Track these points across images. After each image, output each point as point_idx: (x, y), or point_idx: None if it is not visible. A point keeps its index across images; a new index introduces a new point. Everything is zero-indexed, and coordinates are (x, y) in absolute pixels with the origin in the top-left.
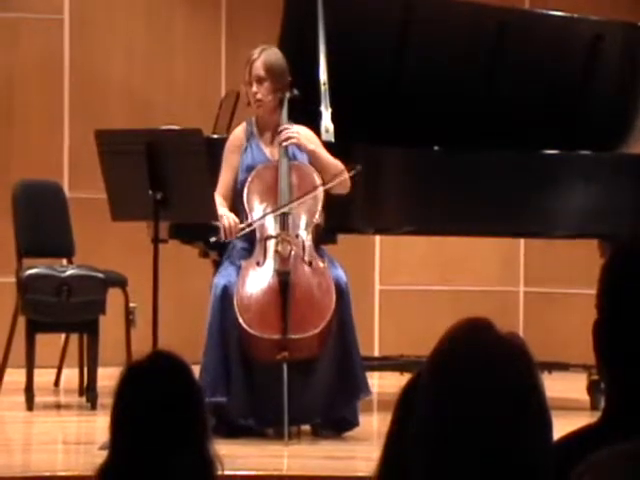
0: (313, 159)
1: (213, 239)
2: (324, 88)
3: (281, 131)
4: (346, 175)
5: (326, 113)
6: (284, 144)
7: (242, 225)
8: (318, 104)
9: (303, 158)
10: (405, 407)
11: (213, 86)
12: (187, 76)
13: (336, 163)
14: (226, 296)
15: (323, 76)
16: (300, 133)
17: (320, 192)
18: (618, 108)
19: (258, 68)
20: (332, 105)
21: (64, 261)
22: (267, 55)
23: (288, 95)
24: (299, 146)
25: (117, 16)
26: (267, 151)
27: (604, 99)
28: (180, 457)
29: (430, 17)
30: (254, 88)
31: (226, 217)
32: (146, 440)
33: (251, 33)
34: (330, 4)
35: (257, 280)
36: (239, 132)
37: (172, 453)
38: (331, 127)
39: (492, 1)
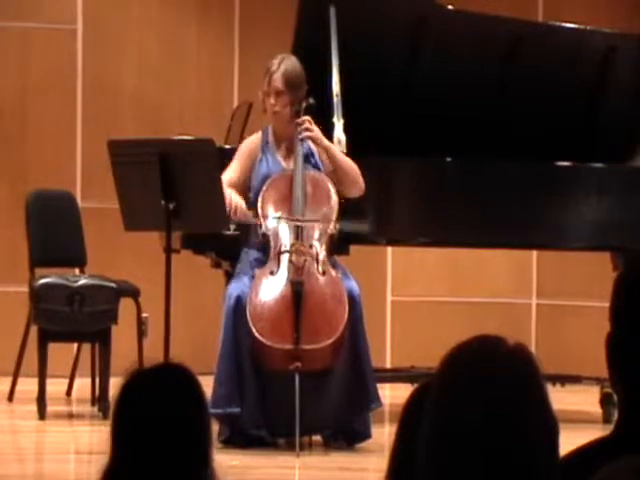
0: (328, 156)
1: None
2: (337, 99)
3: (301, 123)
4: (358, 174)
5: (338, 124)
6: (302, 135)
7: (249, 213)
8: (331, 115)
9: (316, 161)
10: (411, 418)
11: (226, 96)
12: (200, 86)
13: (351, 163)
14: (239, 306)
15: (336, 87)
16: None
17: (335, 202)
18: (631, 120)
19: (277, 81)
20: (344, 116)
21: (77, 271)
22: (286, 67)
23: (304, 105)
24: (315, 140)
25: (130, 26)
26: (283, 162)
27: (617, 111)
28: (181, 470)
29: (443, 29)
30: (272, 100)
31: (232, 196)
32: (146, 452)
33: (264, 44)
34: (343, 16)
35: (270, 289)
36: (255, 140)
37: (173, 467)
38: (343, 138)
39: (505, 13)
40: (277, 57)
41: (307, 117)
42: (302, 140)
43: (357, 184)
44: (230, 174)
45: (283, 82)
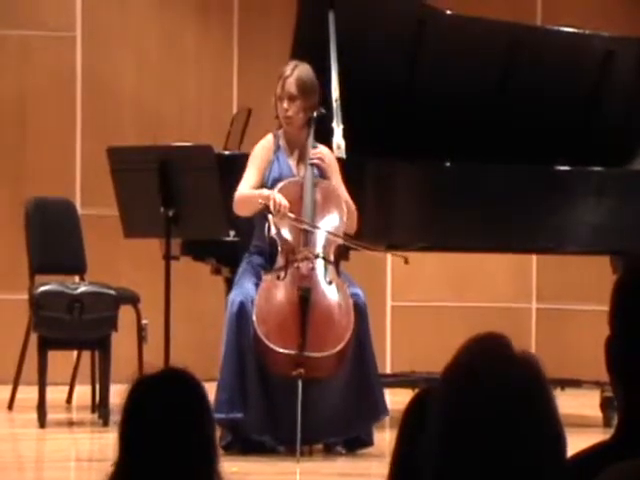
0: None
1: (262, 203)
2: (336, 105)
3: (312, 150)
4: (355, 216)
5: (338, 130)
6: (312, 162)
7: (292, 215)
8: (330, 120)
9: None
10: (411, 423)
11: (225, 102)
12: (199, 92)
13: (350, 203)
14: (242, 312)
15: (335, 93)
16: (330, 165)
17: (344, 213)
18: (629, 123)
19: (291, 86)
20: (344, 120)
21: (76, 278)
22: (300, 73)
23: (316, 114)
24: (324, 173)
25: (129, 32)
26: (294, 168)
27: (615, 115)
28: (186, 474)
29: (443, 34)
30: (285, 105)
31: (278, 197)
32: (154, 458)
33: (263, 50)
34: (342, 20)
35: (277, 294)
36: (268, 143)
37: (180, 472)
38: (343, 144)
39: (504, 17)
40: (290, 63)
41: (315, 148)
42: (312, 165)
43: (351, 224)
44: (250, 180)
45: (297, 87)
